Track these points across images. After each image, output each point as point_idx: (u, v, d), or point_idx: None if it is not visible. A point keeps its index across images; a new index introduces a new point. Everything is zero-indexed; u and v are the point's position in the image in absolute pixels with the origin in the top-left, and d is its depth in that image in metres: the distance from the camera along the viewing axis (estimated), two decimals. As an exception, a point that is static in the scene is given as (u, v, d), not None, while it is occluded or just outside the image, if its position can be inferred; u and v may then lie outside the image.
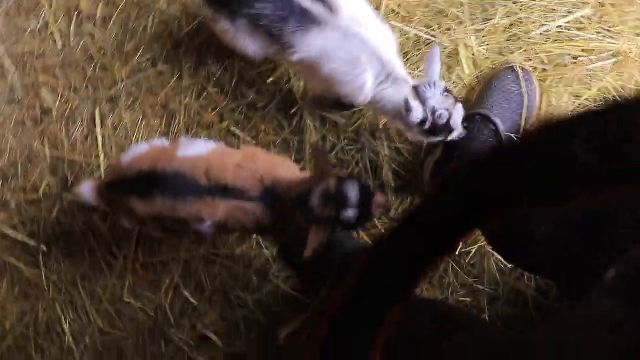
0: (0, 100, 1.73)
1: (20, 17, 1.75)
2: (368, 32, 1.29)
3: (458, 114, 1.33)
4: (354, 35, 1.26)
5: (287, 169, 1.26)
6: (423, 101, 1.29)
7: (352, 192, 1.16)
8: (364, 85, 1.31)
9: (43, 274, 1.65)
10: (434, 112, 1.30)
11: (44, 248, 1.66)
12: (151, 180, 1.19)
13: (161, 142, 1.31)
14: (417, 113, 1.28)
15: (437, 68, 1.32)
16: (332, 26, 1.26)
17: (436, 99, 1.30)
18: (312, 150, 1.51)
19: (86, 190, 1.31)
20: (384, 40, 1.33)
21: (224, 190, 1.18)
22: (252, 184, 1.20)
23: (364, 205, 1.17)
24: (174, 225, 1.25)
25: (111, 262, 1.63)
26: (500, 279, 1.54)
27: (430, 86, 1.30)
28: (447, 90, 1.33)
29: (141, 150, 1.27)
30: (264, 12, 1.25)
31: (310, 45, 1.27)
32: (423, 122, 1.31)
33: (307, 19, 1.25)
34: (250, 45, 1.35)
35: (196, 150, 1.23)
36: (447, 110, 1.31)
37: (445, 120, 1.31)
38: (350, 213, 1.15)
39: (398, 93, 1.32)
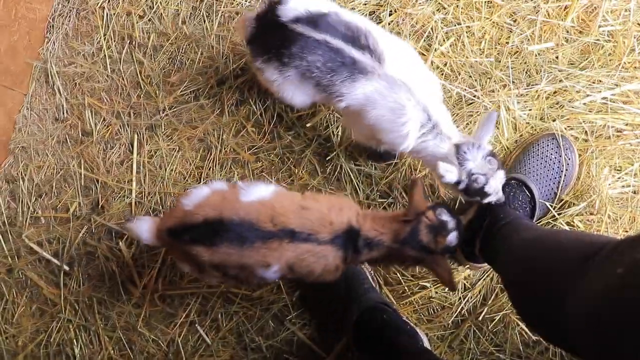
0: (47, 117, 1.80)
1: (77, 40, 1.83)
2: (415, 82, 1.30)
3: (497, 181, 1.32)
4: (400, 84, 1.28)
5: (351, 209, 1.26)
6: (461, 162, 1.29)
7: (448, 217, 1.22)
8: (408, 135, 1.31)
9: (62, 294, 1.67)
10: (470, 174, 1.30)
11: (66, 268, 1.68)
12: (217, 229, 1.18)
13: (221, 186, 1.29)
14: (451, 176, 1.28)
15: (488, 132, 1.32)
16: (379, 75, 1.28)
17: (476, 162, 1.29)
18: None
19: (143, 229, 1.28)
20: (431, 92, 1.34)
21: (292, 234, 1.18)
22: (321, 227, 1.20)
23: (458, 227, 1.22)
24: (238, 272, 1.24)
25: (130, 290, 1.64)
26: (522, 351, 1.50)
27: (473, 147, 1.30)
28: (492, 155, 1.32)
29: (203, 194, 1.25)
30: (316, 64, 1.28)
31: (357, 93, 1.30)
32: (458, 182, 1.31)
33: (356, 69, 1.28)
34: (296, 94, 1.39)
35: (259, 194, 1.23)
36: (485, 175, 1.30)
37: (480, 185, 1.30)
38: (452, 237, 1.20)
39: (439, 147, 1.32)
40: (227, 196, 1.23)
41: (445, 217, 1.21)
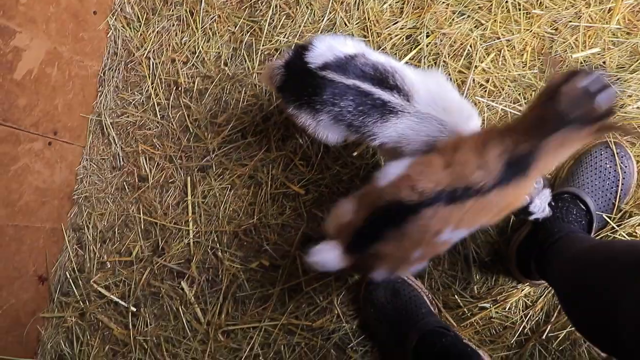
0: (105, 166, 1.96)
1: (127, 91, 1.99)
2: (444, 112, 1.35)
3: (542, 200, 1.37)
4: (430, 117, 1.35)
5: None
6: None
7: (588, 79, 1.09)
8: None
9: (131, 334, 1.81)
10: None
11: (133, 309, 1.82)
12: (378, 219, 1.19)
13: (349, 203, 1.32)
14: None
15: None
16: (409, 112, 1.35)
17: None
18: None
19: (329, 259, 1.29)
20: (462, 116, 1.40)
21: (451, 196, 1.13)
22: (482, 174, 1.12)
23: (604, 88, 1.10)
24: (424, 254, 1.24)
25: (195, 327, 1.75)
26: (592, 370, 1.52)
27: None
28: None
29: (346, 206, 1.28)
30: (348, 108, 1.36)
31: (390, 132, 1.37)
32: None
33: (386, 110, 1.35)
34: (330, 135, 1.46)
35: (393, 172, 1.23)
36: (529, 194, 1.35)
37: (524, 204, 1.35)
38: (602, 99, 1.08)
39: None
40: (369, 192, 1.25)
41: (586, 81, 1.08)
